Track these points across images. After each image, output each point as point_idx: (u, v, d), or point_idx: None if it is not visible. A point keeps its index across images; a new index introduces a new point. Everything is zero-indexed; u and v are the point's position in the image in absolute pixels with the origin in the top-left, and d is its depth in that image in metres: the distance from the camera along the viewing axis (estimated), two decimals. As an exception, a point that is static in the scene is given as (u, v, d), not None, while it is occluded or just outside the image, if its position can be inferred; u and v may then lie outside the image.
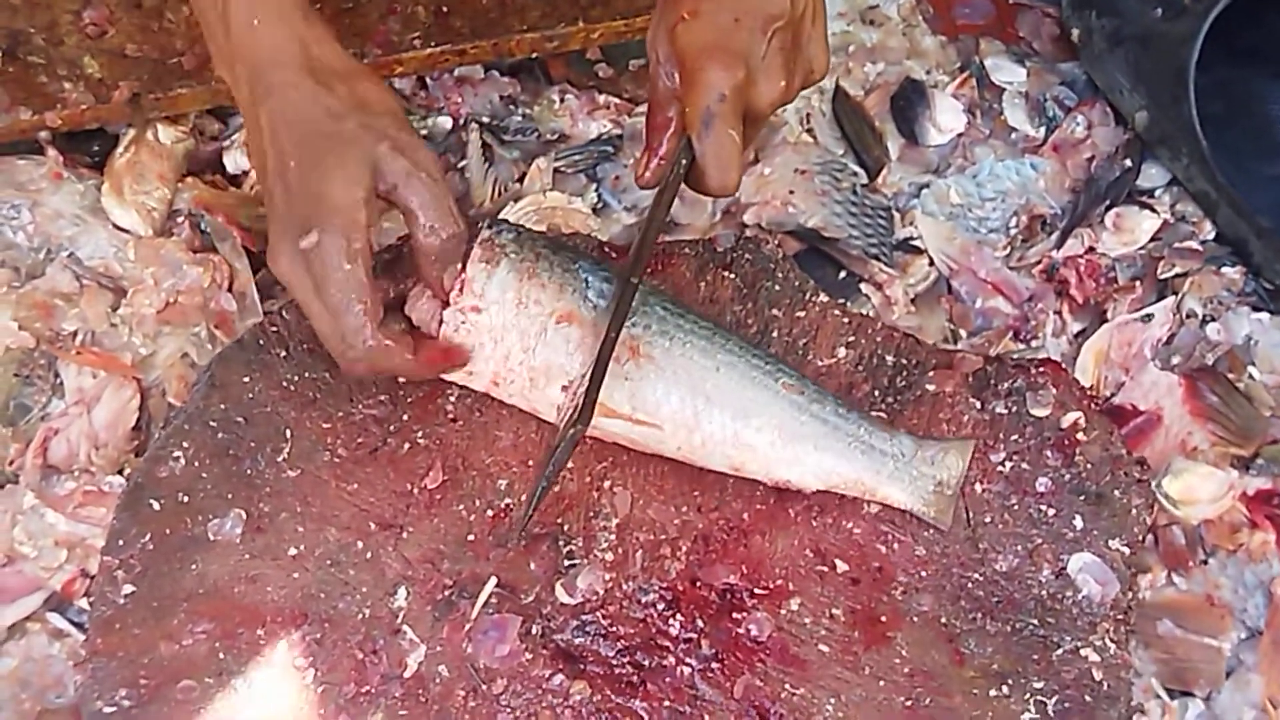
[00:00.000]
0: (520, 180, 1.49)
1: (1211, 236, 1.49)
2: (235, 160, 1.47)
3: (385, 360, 1.10)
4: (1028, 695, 1.14)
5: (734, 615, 1.16)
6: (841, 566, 1.19)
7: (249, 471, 1.21)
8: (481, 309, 1.15)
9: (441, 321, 1.15)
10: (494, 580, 1.16)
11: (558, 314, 1.17)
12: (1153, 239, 1.49)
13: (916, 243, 1.49)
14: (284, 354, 1.26)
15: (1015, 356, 1.36)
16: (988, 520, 1.22)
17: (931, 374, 1.28)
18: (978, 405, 1.27)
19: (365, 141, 1.08)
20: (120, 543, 1.17)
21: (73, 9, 1.43)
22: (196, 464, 1.21)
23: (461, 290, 1.15)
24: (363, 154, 1.08)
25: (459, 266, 1.14)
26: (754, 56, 1.08)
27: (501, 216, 1.42)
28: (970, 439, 1.23)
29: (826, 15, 1.15)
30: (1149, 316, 1.41)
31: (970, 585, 1.19)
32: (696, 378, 1.17)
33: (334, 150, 1.08)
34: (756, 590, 1.17)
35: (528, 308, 1.16)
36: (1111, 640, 1.17)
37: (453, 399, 1.24)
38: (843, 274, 1.45)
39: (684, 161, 1.10)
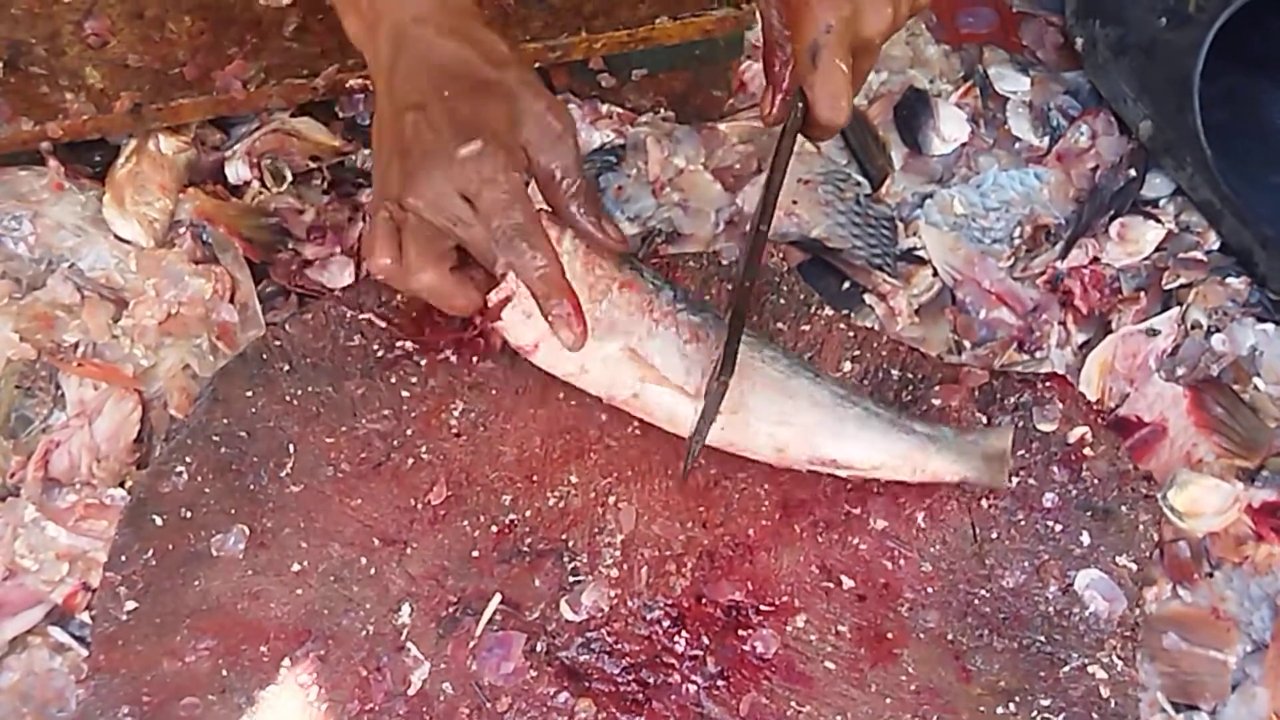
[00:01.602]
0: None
1: (1216, 247, 1.49)
2: (237, 170, 1.47)
3: (534, 262, 1.09)
4: (1035, 713, 1.14)
5: (739, 632, 1.16)
6: (848, 583, 1.19)
7: (252, 487, 1.20)
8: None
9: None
10: (499, 597, 1.16)
11: (620, 281, 1.18)
12: (1157, 249, 1.48)
13: (920, 253, 1.48)
14: (287, 368, 1.26)
15: (1021, 370, 1.36)
16: (994, 536, 1.21)
17: (937, 388, 1.28)
18: (984, 420, 1.26)
19: (524, 96, 1.09)
20: (123, 558, 1.17)
21: (74, 19, 1.42)
22: (199, 479, 1.20)
23: None
24: (519, 108, 1.09)
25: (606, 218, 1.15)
26: None
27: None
28: (1009, 426, 1.24)
29: None
30: (1154, 331, 1.40)
31: (977, 602, 1.18)
32: (745, 364, 1.16)
33: (495, 94, 1.09)
34: (762, 607, 1.17)
35: (594, 270, 1.17)
36: (1119, 657, 1.17)
37: (457, 414, 1.24)
38: (846, 284, 1.45)
39: (800, 105, 1.11)
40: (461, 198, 1.07)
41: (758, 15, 1.45)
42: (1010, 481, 1.23)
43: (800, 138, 1.17)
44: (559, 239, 1.15)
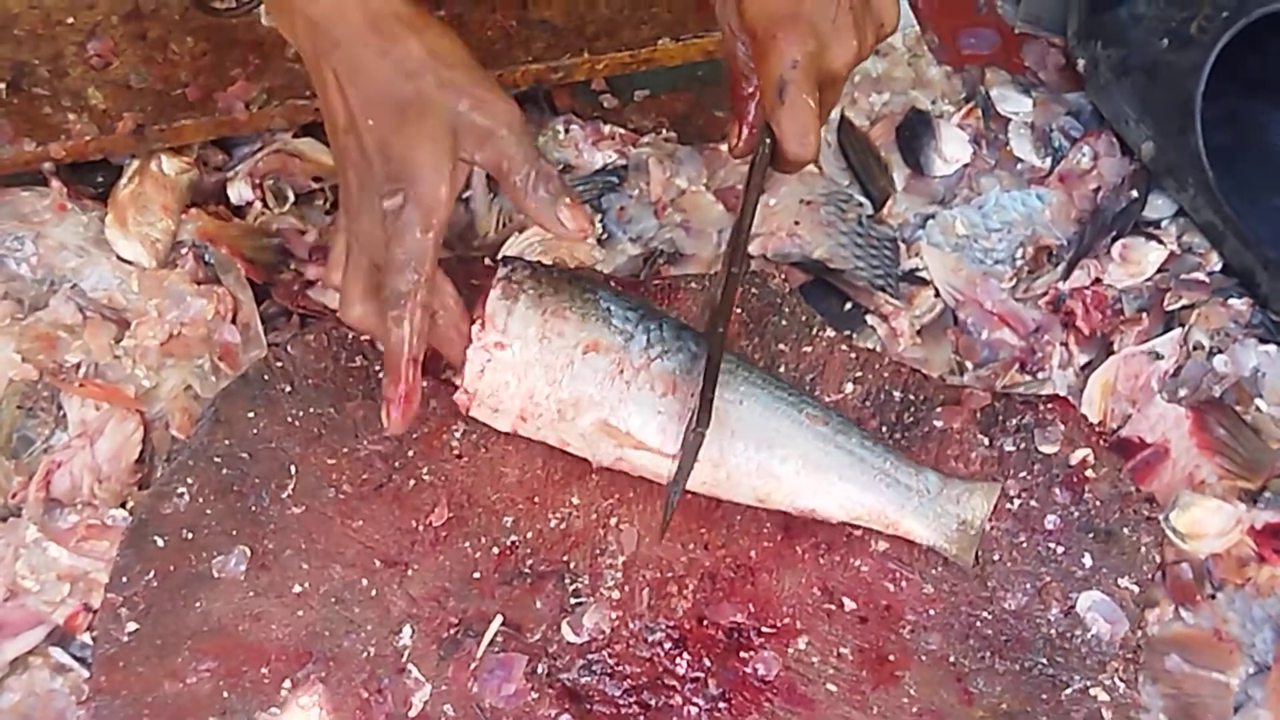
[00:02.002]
0: (525, 210, 1.48)
1: (1218, 268, 1.49)
2: (239, 191, 1.47)
3: (394, 335, 1.07)
4: (1037, 735, 1.14)
5: (741, 654, 1.15)
6: (849, 605, 1.18)
7: (253, 508, 1.20)
8: (505, 344, 1.14)
9: (465, 360, 1.15)
10: (500, 618, 1.15)
11: (583, 344, 1.16)
12: (1159, 270, 1.48)
13: (922, 274, 1.48)
14: (289, 389, 1.26)
15: (1023, 392, 1.36)
16: (996, 558, 1.21)
17: (939, 410, 1.28)
18: (986, 442, 1.26)
19: (445, 101, 1.05)
20: (124, 580, 1.17)
21: (77, 40, 1.43)
22: (201, 500, 1.20)
23: (484, 327, 1.14)
24: (443, 116, 1.05)
25: (568, 200, 1.10)
26: (823, 20, 1.06)
27: (506, 247, 1.42)
28: (997, 483, 1.22)
29: None
30: (1157, 355, 1.40)
31: (979, 624, 1.18)
32: (722, 412, 1.15)
33: (414, 112, 1.05)
34: (764, 629, 1.17)
35: (551, 341, 1.15)
36: (1121, 679, 1.16)
37: (458, 435, 1.24)
38: (848, 305, 1.45)
39: (768, 140, 1.10)
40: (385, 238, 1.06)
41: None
42: (975, 561, 1.21)
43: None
44: (506, 324, 1.14)
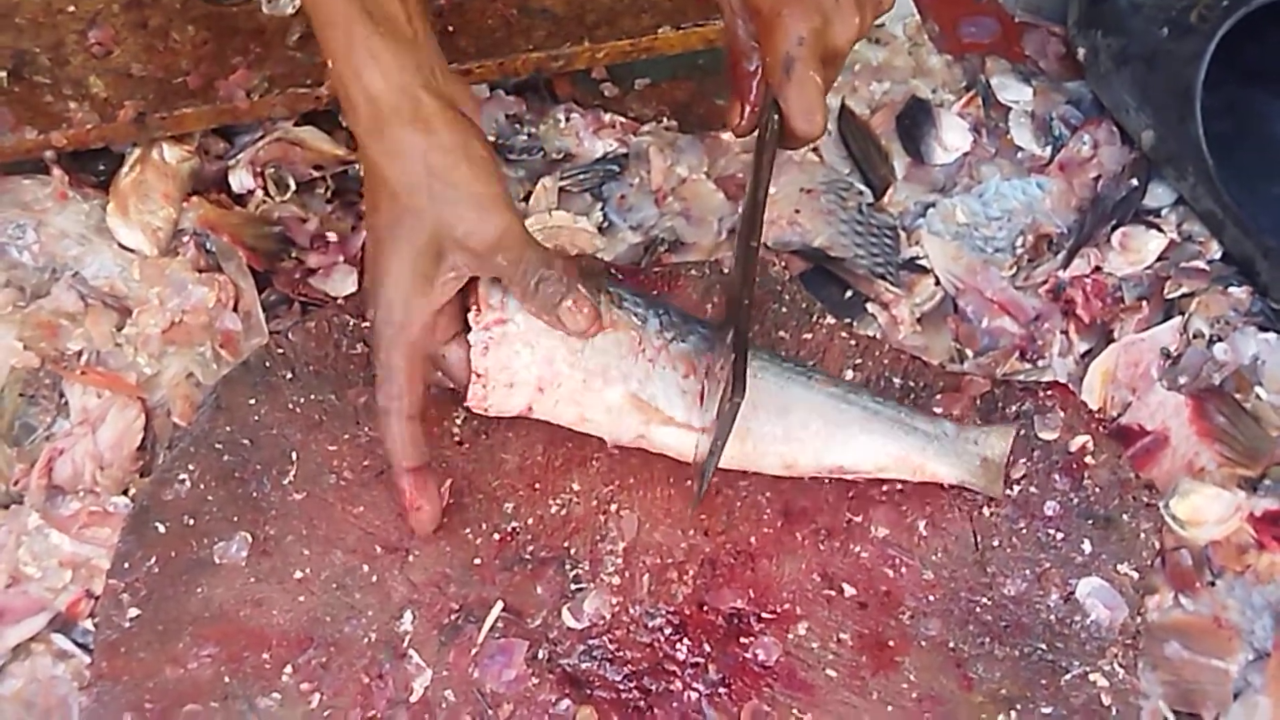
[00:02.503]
0: (526, 199, 1.49)
1: (1218, 256, 1.49)
2: (240, 179, 1.47)
3: (393, 447, 1.13)
4: (1036, 720, 1.14)
5: (741, 640, 1.15)
6: (849, 591, 1.19)
7: (255, 494, 1.20)
8: (506, 318, 1.13)
9: (468, 331, 1.14)
10: (501, 604, 1.16)
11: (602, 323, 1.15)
12: (1159, 258, 1.48)
13: (922, 262, 1.48)
14: (290, 376, 1.26)
15: (1022, 379, 1.36)
16: (996, 544, 1.21)
17: (939, 397, 1.29)
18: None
19: (436, 224, 1.07)
20: (125, 566, 1.17)
21: (78, 29, 1.43)
22: (202, 487, 1.21)
23: (479, 310, 1.13)
24: (428, 237, 1.07)
25: (571, 301, 1.11)
26: None
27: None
28: (1011, 426, 1.24)
29: None
30: (1167, 352, 1.40)
31: (978, 610, 1.18)
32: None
33: (402, 230, 1.08)
34: (764, 614, 1.17)
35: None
36: (1120, 665, 1.16)
37: (459, 422, 1.24)
38: (849, 293, 1.45)
39: (775, 117, 1.10)
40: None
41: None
42: (1007, 490, 1.23)
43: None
44: (505, 300, 1.13)
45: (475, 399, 1.16)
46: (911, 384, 1.29)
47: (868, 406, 1.20)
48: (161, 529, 1.19)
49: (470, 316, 1.13)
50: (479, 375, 1.14)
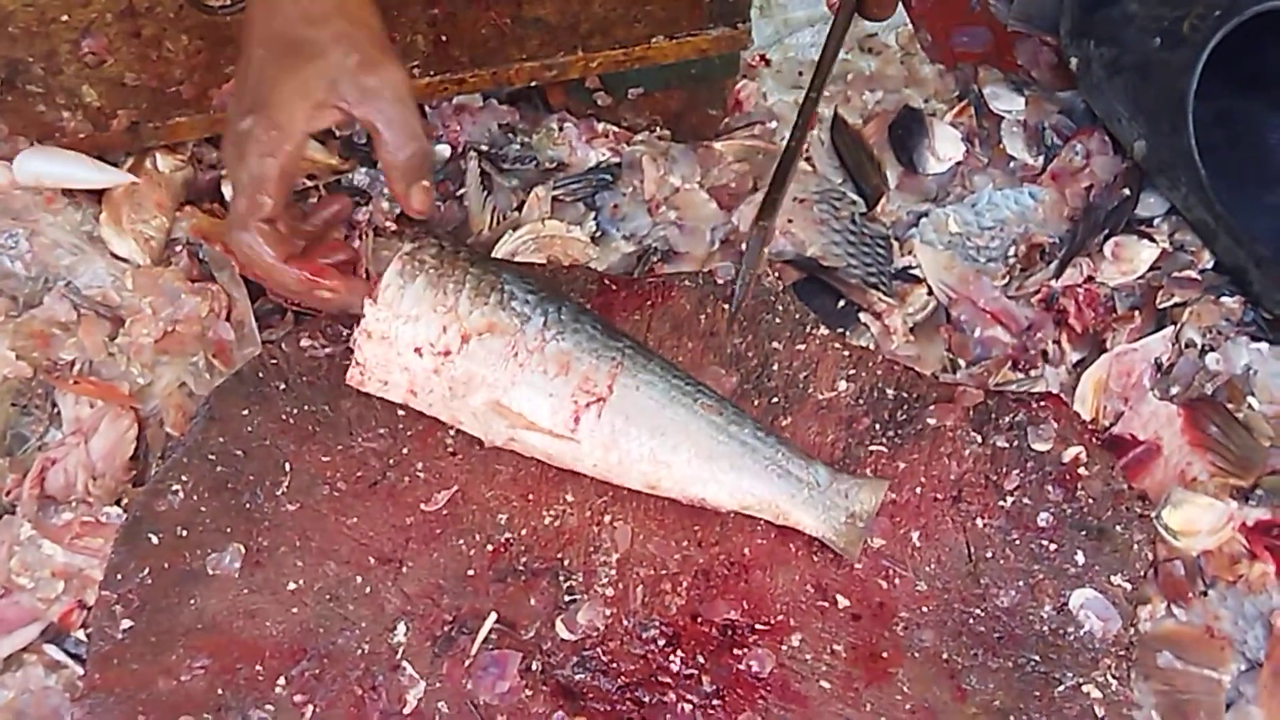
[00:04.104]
0: (519, 209, 1.49)
1: (1210, 266, 1.49)
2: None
3: (256, 253, 1.12)
4: (1029, 732, 1.14)
5: (735, 651, 1.16)
6: (843, 602, 1.19)
7: (248, 505, 1.21)
8: (394, 320, 1.16)
9: (362, 317, 1.17)
10: (494, 616, 1.16)
11: (479, 327, 1.17)
12: (1151, 268, 1.49)
13: (915, 272, 1.49)
14: (283, 386, 1.26)
15: (1016, 390, 1.36)
16: (989, 555, 1.22)
17: (932, 408, 1.29)
18: (979, 439, 1.27)
19: (333, 54, 1.10)
20: (118, 577, 1.17)
21: (71, 38, 1.43)
22: (195, 498, 1.21)
23: (375, 302, 1.16)
24: (324, 67, 1.10)
25: (425, 184, 1.15)
26: None
27: (499, 245, 1.43)
28: (885, 479, 1.23)
29: None
30: (1160, 364, 1.41)
31: (972, 621, 1.18)
32: (617, 395, 1.17)
33: (301, 55, 1.10)
34: (757, 626, 1.17)
35: (445, 321, 1.17)
36: (1113, 676, 1.17)
37: (452, 432, 1.24)
38: (841, 303, 1.45)
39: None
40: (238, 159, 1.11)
41: (751, 35, 1.47)
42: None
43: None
44: (397, 302, 1.17)
45: (353, 380, 1.21)
46: (905, 395, 1.30)
47: (745, 442, 1.19)
48: (154, 540, 1.19)
49: (366, 303, 1.16)
50: (359, 363, 1.19)
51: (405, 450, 1.24)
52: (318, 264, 1.15)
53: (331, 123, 1.12)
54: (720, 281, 1.35)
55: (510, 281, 1.20)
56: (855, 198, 1.54)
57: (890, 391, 1.30)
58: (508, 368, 1.17)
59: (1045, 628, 1.19)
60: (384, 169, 1.15)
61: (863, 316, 1.44)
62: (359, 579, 1.18)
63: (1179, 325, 1.44)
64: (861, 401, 1.29)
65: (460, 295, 1.17)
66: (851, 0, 1.18)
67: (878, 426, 1.28)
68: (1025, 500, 1.24)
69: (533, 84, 1.49)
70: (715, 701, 1.13)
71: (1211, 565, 1.29)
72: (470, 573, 1.18)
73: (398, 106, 1.12)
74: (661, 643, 1.16)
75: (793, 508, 1.19)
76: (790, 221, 1.48)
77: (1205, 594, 1.28)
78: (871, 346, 1.39)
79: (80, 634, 1.22)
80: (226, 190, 1.47)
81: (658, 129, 1.57)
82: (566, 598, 1.17)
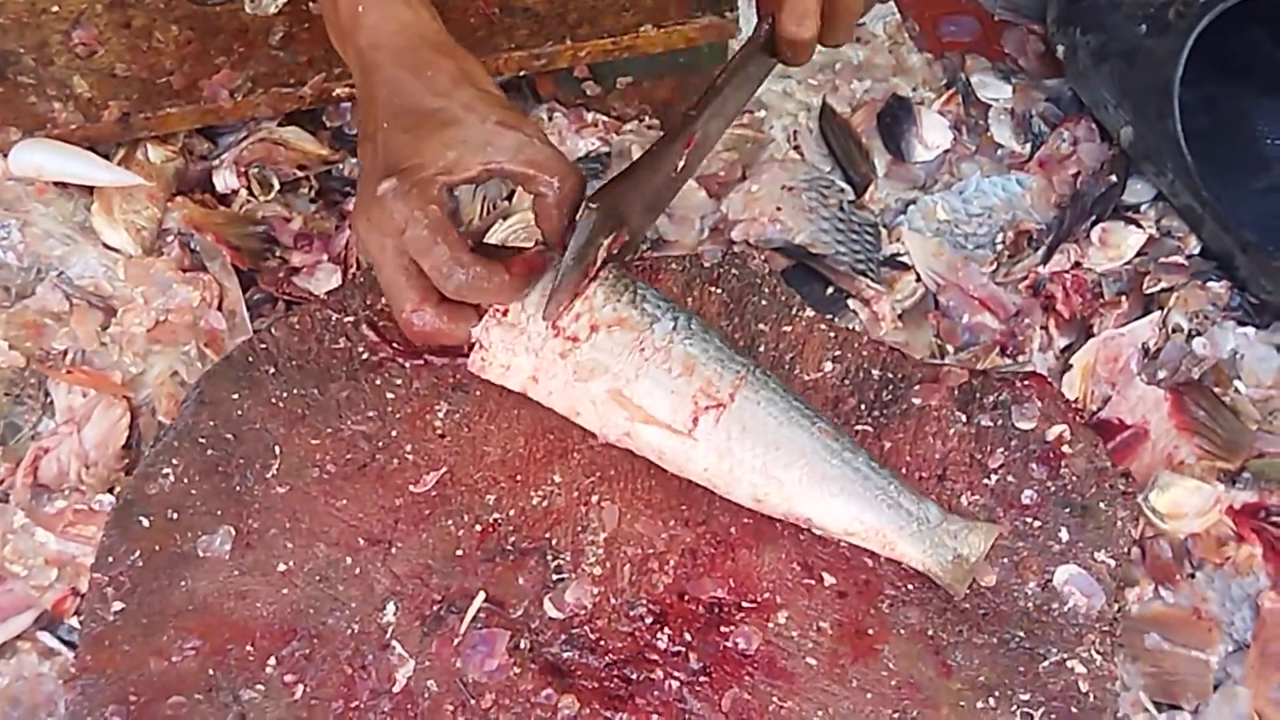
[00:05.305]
0: (509, 198, 1.49)
1: (1197, 251, 1.49)
2: (224, 179, 1.48)
3: (484, 282, 1.11)
4: (1014, 707, 1.14)
5: (722, 629, 1.16)
6: (829, 580, 1.19)
7: (238, 488, 1.21)
8: (523, 313, 1.17)
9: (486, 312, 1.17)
10: (483, 595, 1.16)
11: (609, 320, 1.17)
12: (1138, 254, 1.49)
13: (903, 259, 1.49)
14: (273, 371, 1.26)
15: (1001, 370, 1.37)
16: (974, 533, 1.22)
17: (917, 388, 1.29)
18: (963, 419, 1.27)
19: (468, 120, 1.12)
20: (110, 560, 1.18)
21: (62, 29, 1.44)
22: (186, 481, 1.21)
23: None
24: (462, 132, 1.11)
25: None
26: None
27: (490, 234, 1.43)
28: (996, 526, 1.20)
29: None
30: (1148, 349, 1.41)
31: (957, 598, 1.19)
32: (738, 405, 1.17)
33: (430, 124, 1.12)
34: (744, 604, 1.17)
35: (576, 307, 1.17)
36: (1098, 652, 1.17)
37: (441, 414, 1.25)
38: (830, 290, 1.45)
39: (767, 25, 1.16)
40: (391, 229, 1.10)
41: (740, 24, 1.47)
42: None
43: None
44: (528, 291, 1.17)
45: (474, 366, 1.20)
46: (890, 375, 1.30)
47: (859, 469, 1.18)
48: (145, 523, 1.19)
49: None
50: (484, 347, 1.18)
51: (394, 433, 1.24)
52: (520, 259, 1.17)
53: (468, 182, 1.13)
54: (707, 265, 1.35)
55: (644, 286, 1.20)
56: (844, 185, 1.55)
57: (876, 372, 1.30)
58: (633, 360, 1.17)
59: (1030, 604, 1.19)
60: (541, 209, 1.16)
61: (851, 303, 1.45)
62: (349, 560, 1.18)
63: (1166, 310, 1.44)
64: (847, 382, 1.29)
65: (595, 288, 1.18)
66: (759, 37, 1.18)
67: (863, 407, 1.28)
68: (1010, 478, 1.25)
69: (521, 74, 1.49)
70: (702, 678, 1.14)
71: (1199, 548, 1.29)
72: (459, 553, 1.19)
73: (547, 149, 1.14)
74: (649, 621, 1.16)
75: (900, 539, 1.18)
76: (779, 209, 1.49)
77: (1193, 576, 1.28)
78: (859, 331, 1.39)
79: (74, 621, 1.22)
80: (218, 181, 1.48)
81: (647, 118, 1.58)
82: (554, 577, 1.18)
